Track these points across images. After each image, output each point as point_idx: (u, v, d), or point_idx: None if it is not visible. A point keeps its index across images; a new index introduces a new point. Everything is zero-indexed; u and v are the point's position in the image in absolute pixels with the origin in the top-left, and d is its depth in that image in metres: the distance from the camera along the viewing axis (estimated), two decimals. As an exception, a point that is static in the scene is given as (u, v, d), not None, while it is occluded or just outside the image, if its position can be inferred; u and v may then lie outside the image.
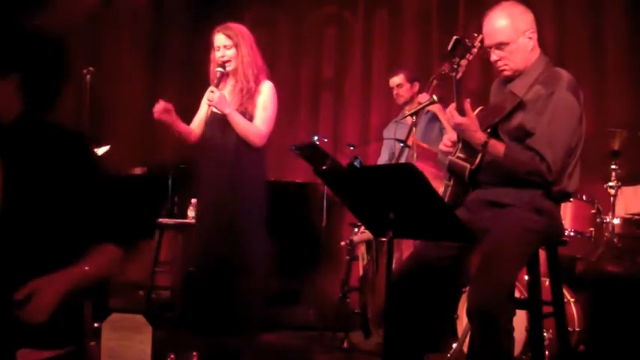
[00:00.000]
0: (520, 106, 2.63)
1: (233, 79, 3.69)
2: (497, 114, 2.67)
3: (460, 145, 2.74)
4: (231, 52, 3.63)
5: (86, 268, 1.88)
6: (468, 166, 2.69)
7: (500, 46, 2.67)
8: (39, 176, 1.90)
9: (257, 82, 3.68)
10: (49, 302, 1.79)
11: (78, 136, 2.01)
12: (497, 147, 2.59)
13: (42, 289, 1.79)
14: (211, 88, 3.57)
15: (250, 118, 3.65)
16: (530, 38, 2.69)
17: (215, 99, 3.54)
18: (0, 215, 1.86)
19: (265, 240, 3.73)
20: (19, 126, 1.91)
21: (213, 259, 3.64)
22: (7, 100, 1.90)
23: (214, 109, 3.62)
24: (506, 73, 2.72)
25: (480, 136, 2.60)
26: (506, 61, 2.69)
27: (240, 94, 3.65)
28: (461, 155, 2.73)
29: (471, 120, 2.60)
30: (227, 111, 3.58)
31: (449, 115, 2.65)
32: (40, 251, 1.88)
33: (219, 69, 3.61)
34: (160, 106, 3.54)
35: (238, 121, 3.60)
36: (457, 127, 2.64)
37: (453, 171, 2.77)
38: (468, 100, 2.62)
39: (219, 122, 3.65)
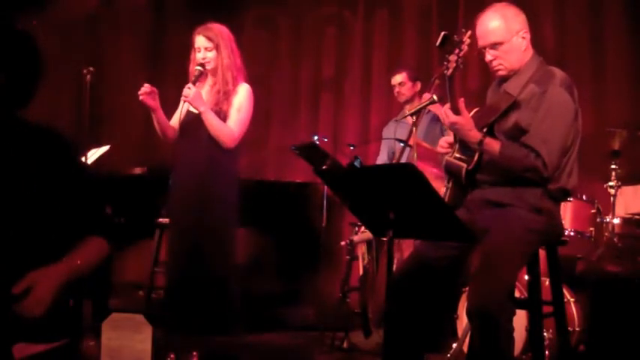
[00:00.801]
0: (515, 105, 2.64)
1: (212, 79, 3.72)
2: (492, 114, 2.68)
3: (457, 146, 2.75)
4: (211, 54, 3.67)
5: (78, 261, 1.91)
6: (465, 166, 2.70)
7: (494, 46, 2.69)
8: (20, 172, 1.92)
9: (235, 84, 3.70)
10: (46, 296, 1.81)
11: (55, 133, 2.02)
12: (493, 145, 2.60)
13: (39, 283, 1.80)
14: (188, 85, 3.59)
15: (224, 119, 3.67)
16: (524, 38, 2.71)
17: (191, 95, 3.56)
18: None
19: (236, 239, 3.76)
20: None
21: (186, 259, 3.65)
22: None
23: (190, 108, 3.65)
24: (501, 73, 2.74)
25: (474, 135, 2.61)
26: (500, 60, 2.71)
27: (217, 94, 3.68)
28: (458, 155, 2.73)
29: (465, 119, 2.61)
30: (201, 109, 3.60)
31: (443, 115, 2.65)
32: (28, 246, 1.90)
33: (199, 67, 3.64)
34: (146, 89, 3.59)
35: (211, 120, 3.62)
36: (452, 127, 2.64)
37: (450, 172, 2.77)
38: (462, 99, 2.63)
39: (193, 122, 3.67)
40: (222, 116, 3.65)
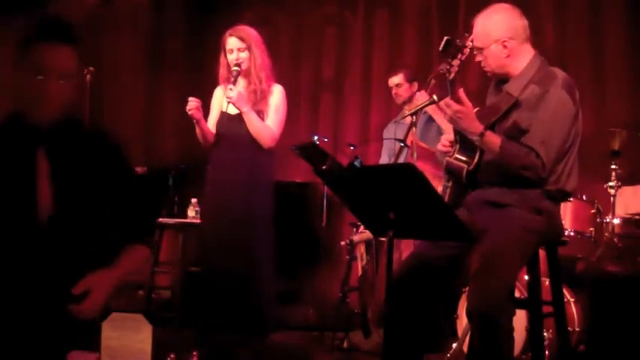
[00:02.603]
0: (515, 105, 2.65)
1: (245, 80, 3.72)
2: (493, 114, 2.68)
3: (458, 146, 2.73)
4: (244, 55, 3.67)
5: (128, 267, 1.95)
6: (466, 167, 2.69)
7: (477, 49, 2.74)
8: (81, 177, 1.95)
9: (268, 84, 3.73)
10: (101, 299, 1.84)
11: (109, 137, 2.07)
12: (494, 138, 2.59)
13: (96, 286, 1.83)
14: (230, 86, 3.60)
15: (262, 119, 3.70)
16: (505, 47, 2.69)
17: (235, 96, 3.57)
18: (53, 216, 1.91)
19: (273, 242, 3.77)
20: (59, 128, 1.96)
21: (221, 259, 3.65)
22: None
23: (226, 109, 3.67)
24: (489, 75, 2.78)
25: (477, 126, 2.59)
26: (484, 63, 2.74)
27: (254, 94, 3.69)
28: (458, 156, 2.72)
29: (469, 108, 2.59)
30: (244, 109, 3.62)
31: (444, 107, 2.61)
32: (83, 251, 1.92)
33: (236, 68, 3.64)
34: (195, 103, 3.60)
35: (253, 120, 3.64)
36: (455, 115, 2.59)
37: (451, 172, 2.77)
38: (462, 89, 2.62)
39: (230, 123, 3.70)
40: (260, 117, 3.68)
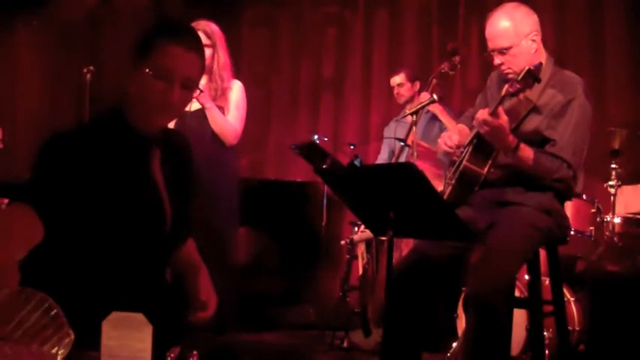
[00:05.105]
0: (534, 110, 2.61)
1: (207, 77, 3.67)
2: (512, 120, 2.59)
3: (470, 149, 2.69)
4: (208, 52, 3.61)
5: (203, 265, 1.97)
6: (484, 172, 2.65)
7: (502, 50, 2.65)
8: (176, 184, 1.91)
9: (229, 81, 3.70)
10: (215, 303, 1.89)
11: (182, 137, 2.03)
12: (527, 152, 2.55)
13: (212, 291, 1.89)
14: None
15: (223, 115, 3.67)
16: (534, 41, 2.66)
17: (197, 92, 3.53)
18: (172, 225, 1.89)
19: (238, 239, 3.75)
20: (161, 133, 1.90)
21: None
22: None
23: (189, 106, 3.64)
24: (510, 77, 2.68)
25: (512, 139, 2.53)
26: (509, 65, 2.66)
27: (214, 92, 3.66)
28: (472, 161, 2.68)
29: (505, 123, 2.51)
30: (208, 105, 3.59)
31: (481, 122, 2.53)
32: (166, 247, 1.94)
33: None
34: None
35: (216, 117, 3.61)
36: (493, 131, 2.52)
37: (463, 176, 2.70)
38: (501, 107, 2.56)
39: (191, 119, 3.63)
40: (221, 112, 3.65)
